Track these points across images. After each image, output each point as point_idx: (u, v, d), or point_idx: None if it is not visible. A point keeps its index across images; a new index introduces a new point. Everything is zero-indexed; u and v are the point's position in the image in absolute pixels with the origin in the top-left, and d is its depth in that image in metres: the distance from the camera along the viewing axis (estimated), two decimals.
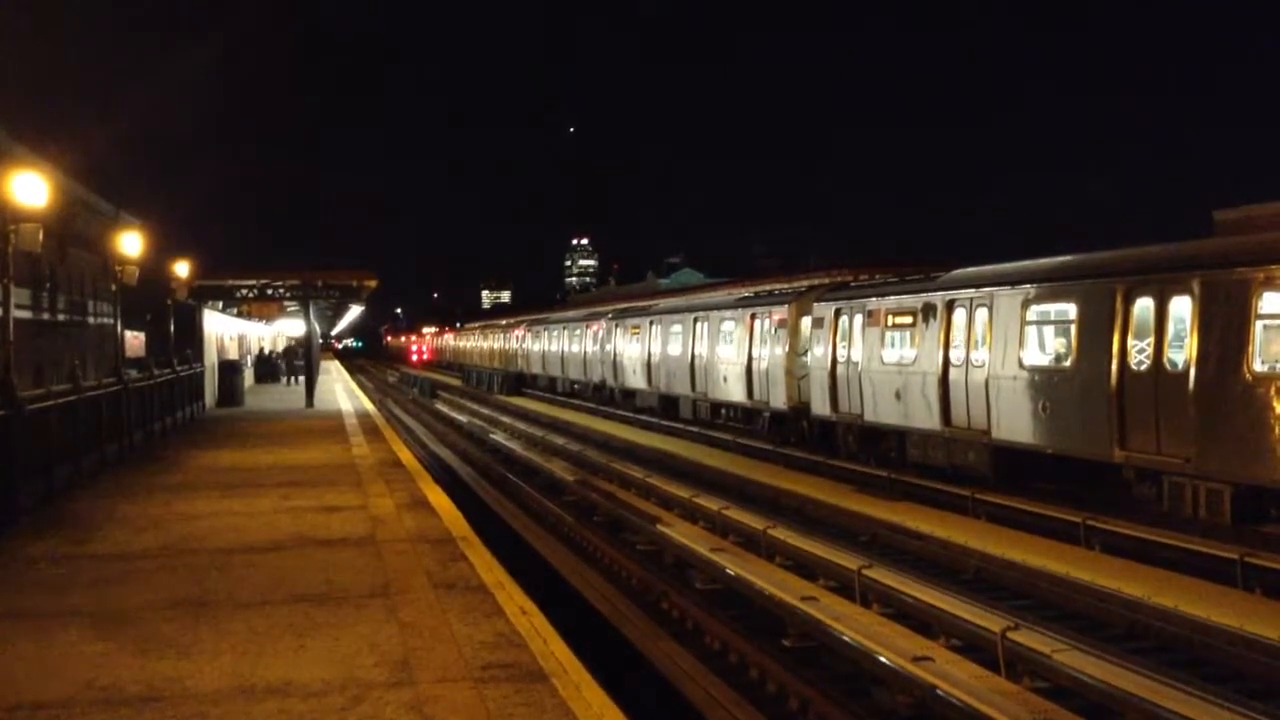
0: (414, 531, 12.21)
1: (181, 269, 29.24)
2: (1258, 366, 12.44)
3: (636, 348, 36.59)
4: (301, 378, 36.79)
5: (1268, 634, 9.59)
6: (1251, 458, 12.34)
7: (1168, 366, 13.74)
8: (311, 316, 38.55)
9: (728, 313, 28.84)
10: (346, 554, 11.00)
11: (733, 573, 13.43)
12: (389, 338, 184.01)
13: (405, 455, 20.94)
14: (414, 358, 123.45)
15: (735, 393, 27.74)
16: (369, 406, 36.99)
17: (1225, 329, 12.85)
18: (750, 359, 26.65)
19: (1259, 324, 12.52)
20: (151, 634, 8.12)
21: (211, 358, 36.80)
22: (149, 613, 8.77)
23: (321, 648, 7.66)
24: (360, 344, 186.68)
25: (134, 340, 33.15)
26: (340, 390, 46.38)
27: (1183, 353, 13.50)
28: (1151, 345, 14.03)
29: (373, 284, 36.55)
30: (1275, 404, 12.06)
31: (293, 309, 43.21)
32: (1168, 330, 13.87)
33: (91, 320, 33.47)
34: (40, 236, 15.59)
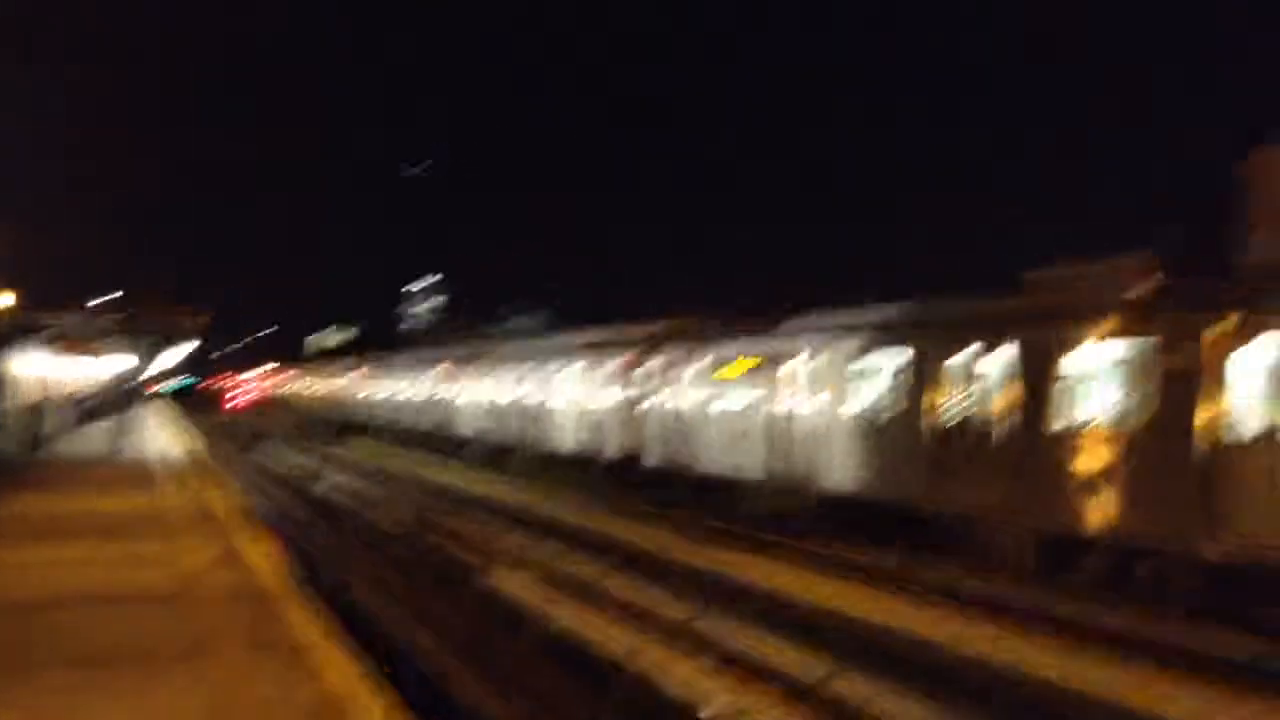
0: (229, 586, 11.66)
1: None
2: (1059, 421, 13.16)
3: (472, 394, 36.19)
4: (119, 419, 35.04)
5: (1069, 678, 10.05)
6: (1052, 508, 13.02)
7: (979, 418, 14.40)
8: (135, 355, 36.73)
9: (565, 360, 28.85)
10: (153, 611, 10.41)
11: (564, 624, 13.31)
12: (217, 378, 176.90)
13: (224, 504, 20.07)
14: (242, 400, 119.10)
15: (570, 440, 27.71)
16: (189, 451, 35.40)
17: (1032, 384, 13.56)
18: (586, 407, 26.69)
19: (1060, 381, 13.27)
20: None
21: (21, 399, 34.59)
22: None
23: (121, 715, 7.19)
24: (187, 384, 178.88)
25: None
26: (160, 434, 44.24)
27: (993, 405, 14.18)
28: (965, 398, 14.69)
29: (203, 320, 35.13)
30: (1075, 457, 12.77)
31: (115, 346, 41.05)
32: (980, 384, 14.56)
33: None
34: None
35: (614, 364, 25.64)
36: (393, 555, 20.53)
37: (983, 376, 14.60)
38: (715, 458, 20.50)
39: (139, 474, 25.79)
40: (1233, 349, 11.27)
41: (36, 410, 35.47)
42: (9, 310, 28.05)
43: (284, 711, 7.26)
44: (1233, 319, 11.30)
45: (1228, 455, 11.12)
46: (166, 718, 7.16)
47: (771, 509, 18.87)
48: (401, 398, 46.62)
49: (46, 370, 43.90)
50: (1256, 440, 10.92)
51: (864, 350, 16.97)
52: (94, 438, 39.93)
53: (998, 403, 14.06)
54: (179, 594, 11.25)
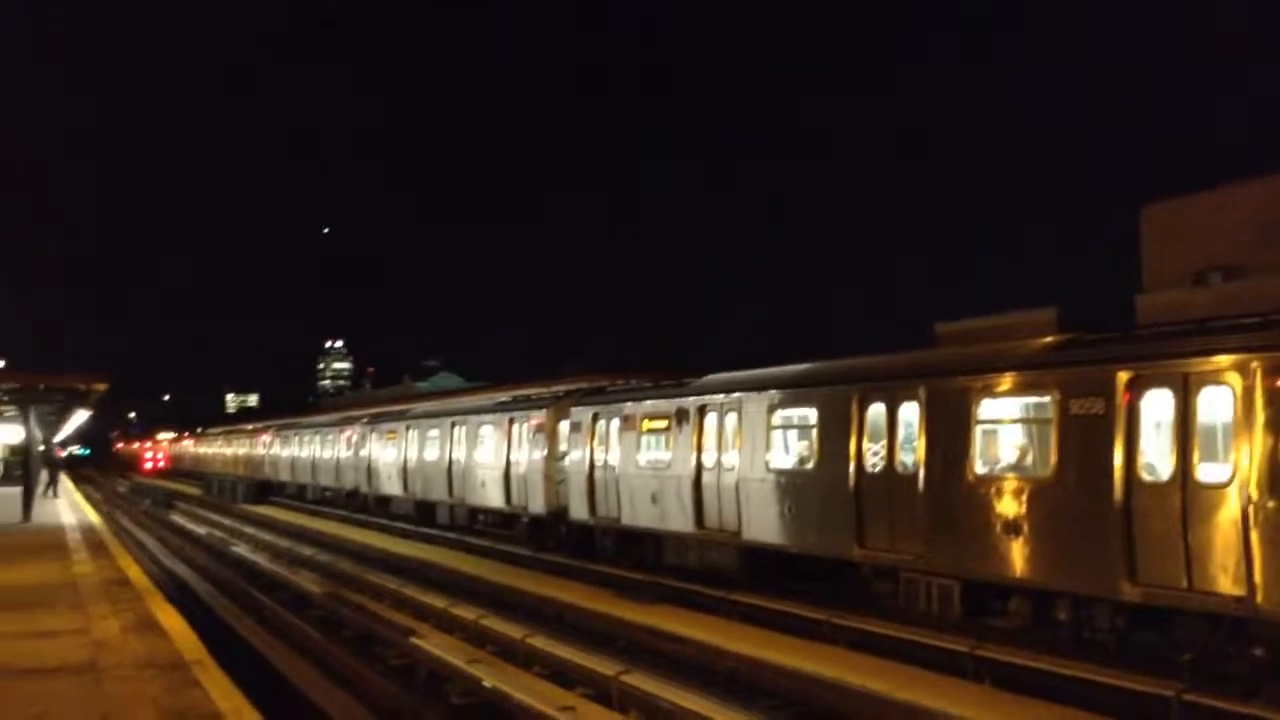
0: (141, 656, 11.27)
1: None
2: (979, 468, 13.41)
3: (392, 453, 35.71)
4: (25, 487, 33.77)
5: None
6: (976, 555, 13.21)
7: (899, 468, 14.61)
8: (32, 423, 35.50)
9: (486, 417, 28.64)
10: (62, 684, 10.01)
11: (489, 685, 13.09)
12: (121, 444, 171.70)
13: (134, 572, 19.44)
14: (148, 465, 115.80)
15: (493, 497, 27.44)
16: (95, 519, 34.25)
17: (949, 433, 13.81)
18: (508, 463, 26.49)
19: (978, 429, 13.55)
20: None
21: None
22: None
23: None
24: (88, 452, 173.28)
25: None
26: (63, 502, 42.75)
27: (912, 455, 14.40)
28: (885, 448, 14.90)
29: (102, 387, 34.05)
30: (995, 504, 13.01)
31: (11, 414, 39.69)
32: (899, 434, 14.78)
33: None
34: None
35: (536, 419, 25.52)
36: (314, 617, 20.02)
37: (901, 428, 14.82)
38: (641, 511, 20.45)
39: (48, 543, 24.87)
40: (1134, 401, 11.63)
41: None
42: None
43: None
44: (1133, 372, 11.66)
45: (1135, 501, 11.43)
46: None
47: (698, 562, 18.84)
48: (320, 457, 45.79)
49: None
50: (1159, 486, 11.25)
51: (786, 404, 17.13)
52: None
53: (916, 453, 14.28)
54: (90, 664, 10.84)
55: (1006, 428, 13.60)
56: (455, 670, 14.10)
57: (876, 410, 15.17)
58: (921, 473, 14.07)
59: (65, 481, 63.62)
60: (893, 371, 15.32)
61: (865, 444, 15.22)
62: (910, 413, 14.56)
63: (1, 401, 35.54)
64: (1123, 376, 11.75)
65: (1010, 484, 12.93)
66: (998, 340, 14.19)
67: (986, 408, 13.54)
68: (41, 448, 48.19)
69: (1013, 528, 12.73)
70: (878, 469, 14.96)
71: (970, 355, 14.26)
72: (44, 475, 46.73)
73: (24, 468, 36.26)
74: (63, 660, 11.05)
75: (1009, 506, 12.82)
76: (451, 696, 13.69)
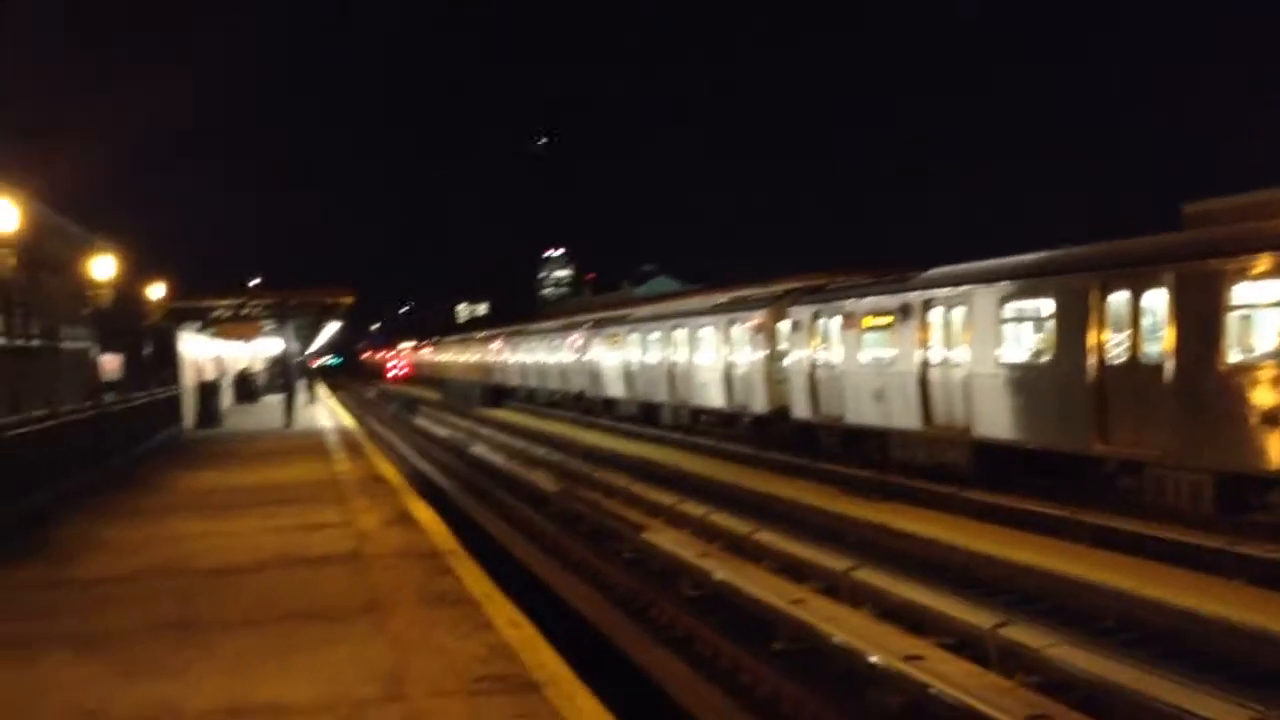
0: (399, 546, 12.14)
1: (156, 291, 28.99)
2: (1232, 357, 12.55)
3: (615, 357, 36.63)
4: (286, 395, 36.77)
5: (1255, 621, 9.65)
6: (1230, 447, 12.45)
7: (1144, 359, 13.84)
8: (288, 335, 38.36)
9: (705, 319, 28.90)
10: (332, 571, 10.92)
11: (720, 578, 13.42)
12: (367, 354, 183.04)
13: (387, 470, 20.84)
14: (392, 373, 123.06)
15: (715, 398, 27.80)
16: (349, 423, 36.82)
17: (1199, 321, 12.96)
18: (729, 364, 26.70)
19: (1232, 315, 12.64)
20: (138, 657, 8.03)
21: (189, 379, 36.54)
22: (135, 636, 8.68)
23: (310, 665, 7.59)
24: (338, 361, 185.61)
25: (111, 363, 32.88)
26: (320, 408, 46.12)
27: (1159, 345, 13.61)
28: (1128, 338, 14.14)
29: (349, 300, 36.37)
30: (1250, 394, 12.17)
31: (269, 328, 43.01)
32: (1143, 323, 13.98)
33: (67, 345, 33.10)
34: (13, 262, 15.49)
35: (756, 320, 25.55)
36: (550, 513, 21.01)
37: (1145, 316, 14.02)
38: (865, 409, 20.28)
39: (309, 445, 26.98)
40: None
41: (209, 389, 37.42)
42: (162, 301, 29.58)
43: (460, 659, 7.54)
44: None
45: None
46: (352, 665, 7.52)
47: (926, 459, 18.56)
48: (547, 363, 47.49)
49: (213, 352, 46.29)
50: None
51: (1018, 295, 16.47)
52: (264, 413, 41.91)
53: (1164, 342, 13.50)
54: (355, 554, 11.77)
55: (1264, 312, 12.64)
56: (686, 564, 14.51)
57: (1119, 299, 14.38)
58: (1169, 363, 13.29)
59: (320, 389, 68.62)
60: (1136, 257, 14.44)
61: (1106, 334, 14.49)
62: (1156, 300, 13.74)
63: (261, 316, 38.48)
64: None
65: (1269, 372, 12.06)
66: (1252, 219, 13.11)
67: (1241, 292, 12.60)
68: (299, 359, 52.04)
69: (1272, 418, 11.89)
70: (1120, 360, 14.23)
71: (1223, 236, 13.26)
72: (302, 384, 50.54)
73: (284, 377, 39.29)
74: (331, 549, 12.04)
75: (1267, 395, 11.97)
76: (684, 588, 14.13)
